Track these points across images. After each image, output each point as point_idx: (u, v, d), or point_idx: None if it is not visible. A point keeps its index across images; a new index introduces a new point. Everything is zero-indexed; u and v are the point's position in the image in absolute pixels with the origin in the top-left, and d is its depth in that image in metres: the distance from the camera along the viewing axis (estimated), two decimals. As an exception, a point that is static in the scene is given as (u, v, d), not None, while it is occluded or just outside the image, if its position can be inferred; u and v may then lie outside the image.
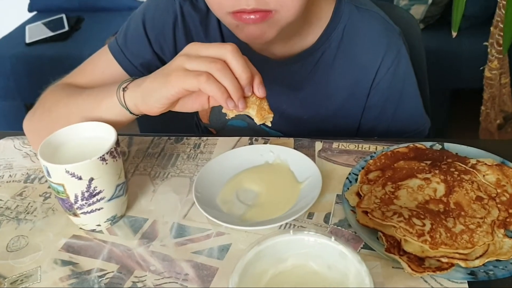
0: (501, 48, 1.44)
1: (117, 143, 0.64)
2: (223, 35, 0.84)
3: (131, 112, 0.69)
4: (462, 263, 0.55)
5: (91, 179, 0.61)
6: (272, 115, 0.63)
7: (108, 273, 0.60)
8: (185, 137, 0.83)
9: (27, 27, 2.50)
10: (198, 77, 0.59)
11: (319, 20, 0.79)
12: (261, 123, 0.63)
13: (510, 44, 1.28)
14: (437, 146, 0.73)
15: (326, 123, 0.85)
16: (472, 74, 1.89)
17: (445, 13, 2.03)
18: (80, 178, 0.60)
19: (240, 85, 0.60)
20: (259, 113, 0.62)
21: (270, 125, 0.65)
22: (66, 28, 2.44)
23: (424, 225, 0.57)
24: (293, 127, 0.86)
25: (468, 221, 0.58)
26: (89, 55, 0.88)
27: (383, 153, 0.72)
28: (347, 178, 0.69)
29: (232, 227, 0.63)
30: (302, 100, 0.84)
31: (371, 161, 0.71)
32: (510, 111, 1.58)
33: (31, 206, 0.72)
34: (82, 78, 0.84)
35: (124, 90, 0.68)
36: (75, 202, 0.62)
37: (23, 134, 0.84)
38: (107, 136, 0.65)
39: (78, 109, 0.72)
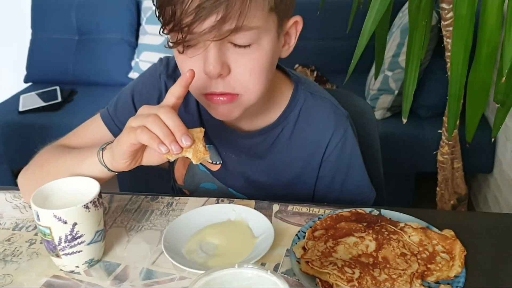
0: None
1: (100, 194, 0.75)
2: (200, 110, 0.98)
3: (109, 169, 0.80)
4: (384, 307, 0.65)
5: (75, 224, 0.71)
6: (208, 155, 0.73)
7: (82, 307, 0.69)
8: (160, 196, 0.94)
9: (21, 97, 2.62)
10: (135, 130, 0.72)
11: (279, 102, 0.94)
12: (198, 163, 0.73)
13: (470, 134, 1.42)
14: (375, 212, 0.85)
15: (285, 189, 0.97)
16: (432, 158, 2.06)
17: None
18: (65, 222, 0.70)
19: (170, 132, 0.70)
20: (195, 155, 0.72)
21: (210, 160, 0.74)
22: (59, 99, 2.57)
23: (354, 273, 0.68)
24: (256, 191, 0.98)
25: (391, 272, 0.69)
26: (79, 125, 1.01)
27: (329, 215, 0.84)
28: (296, 235, 0.80)
29: (194, 271, 0.73)
30: (265, 168, 0.97)
31: (318, 222, 0.82)
32: (463, 193, 1.72)
33: (18, 250, 0.81)
34: (74, 140, 0.96)
35: (103, 150, 0.81)
36: (59, 244, 0.72)
37: (14, 189, 0.95)
38: (92, 188, 0.76)
39: (65, 165, 0.84)
